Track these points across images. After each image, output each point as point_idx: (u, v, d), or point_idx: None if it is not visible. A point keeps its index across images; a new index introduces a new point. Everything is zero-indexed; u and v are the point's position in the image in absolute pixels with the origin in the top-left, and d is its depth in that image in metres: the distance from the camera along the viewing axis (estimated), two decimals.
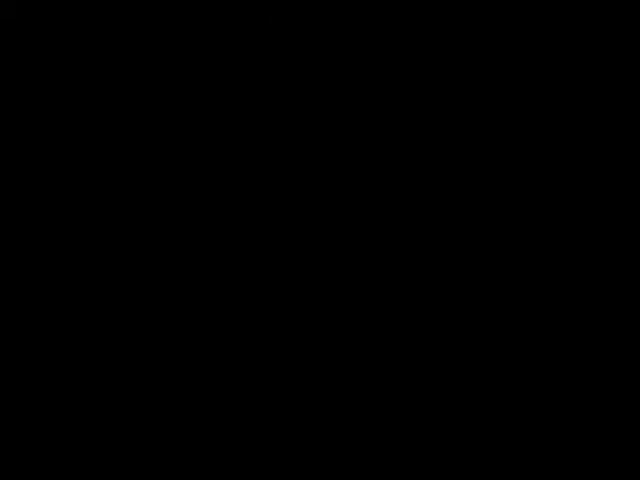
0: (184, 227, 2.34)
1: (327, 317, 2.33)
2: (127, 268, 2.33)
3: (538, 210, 2.33)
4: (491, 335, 2.31)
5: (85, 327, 2.32)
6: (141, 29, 2.35)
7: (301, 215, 2.33)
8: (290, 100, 2.31)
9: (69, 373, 2.31)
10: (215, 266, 2.34)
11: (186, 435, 2.30)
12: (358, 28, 2.25)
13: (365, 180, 2.34)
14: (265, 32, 2.34)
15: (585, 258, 2.32)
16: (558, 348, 2.31)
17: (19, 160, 2.34)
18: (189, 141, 2.35)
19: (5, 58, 2.35)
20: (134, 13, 2.35)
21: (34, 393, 2.31)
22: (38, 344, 2.31)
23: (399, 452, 2.29)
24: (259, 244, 2.34)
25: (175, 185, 2.35)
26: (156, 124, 2.35)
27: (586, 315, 2.31)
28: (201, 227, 2.34)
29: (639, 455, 2.26)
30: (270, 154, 2.35)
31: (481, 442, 2.29)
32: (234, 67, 2.35)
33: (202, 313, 2.33)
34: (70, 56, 2.35)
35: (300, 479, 2.29)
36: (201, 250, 2.34)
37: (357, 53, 2.32)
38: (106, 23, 2.35)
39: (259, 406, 2.31)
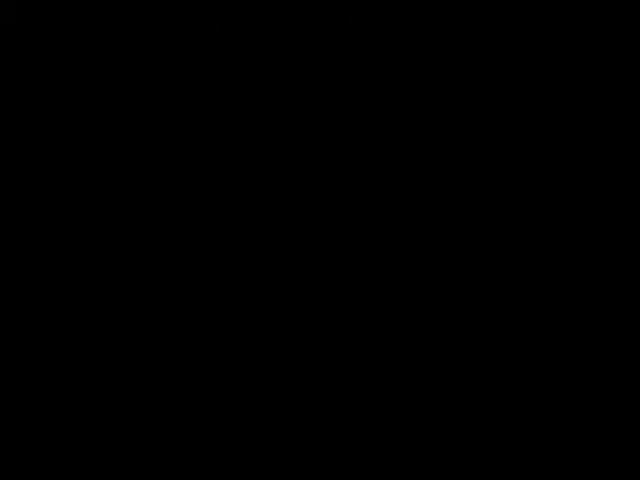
0: (183, 227, 2.34)
1: (327, 316, 2.33)
2: (126, 268, 2.33)
3: (536, 208, 2.33)
4: (491, 335, 2.31)
5: (85, 327, 2.32)
6: (141, 29, 2.35)
7: (299, 212, 2.33)
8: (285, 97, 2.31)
9: (69, 373, 2.31)
10: (214, 265, 2.34)
11: (186, 435, 2.30)
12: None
13: (353, 177, 2.34)
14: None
15: (584, 258, 2.32)
16: (558, 348, 2.31)
17: (19, 160, 2.34)
18: (188, 140, 2.35)
19: (5, 59, 2.35)
20: (134, 12, 2.35)
21: (34, 393, 2.31)
22: (38, 344, 2.31)
23: (398, 452, 2.29)
24: (258, 243, 2.34)
25: (174, 184, 2.35)
26: (156, 124, 2.35)
27: (586, 315, 2.31)
28: (200, 226, 2.34)
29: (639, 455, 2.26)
30: (267, 150, 2.35)
31: (481, 442, 2.29)
32: (231, 66, 2.36)
33: (201, 312, 2.33)
34: (70, 57, 2.36)
35: (300, 479, 2.29)
36: (200, 249, 2.34)
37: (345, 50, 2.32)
38: (106, 23, 2.36)
39: (259, 406, 2.31)
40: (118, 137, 2.35)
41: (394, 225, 2.34)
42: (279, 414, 2.31)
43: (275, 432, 2.30)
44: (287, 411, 2.31)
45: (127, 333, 2.32)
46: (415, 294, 2.33)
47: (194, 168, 2.35)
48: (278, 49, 2.36)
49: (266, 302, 2.33)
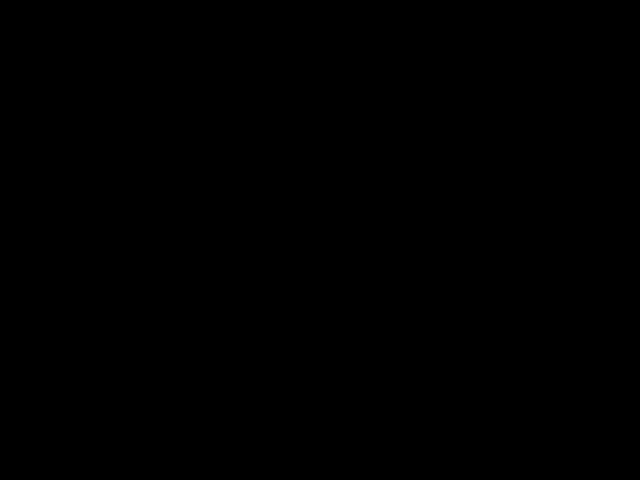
0: (183, 227, 2.34)
1: (327, 316, 2.33)
2: (127, 268, 2.34)
3: (535, 208, 2.33)
4: (491, 335, 2.31)
5: (85, 328, 2.32)
6: (141, 29, 2.35)
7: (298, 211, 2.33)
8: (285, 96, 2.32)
9: (69, 373, 2.31)
10: (214, 265, 2.34)
11: (186, 435, 2.30)
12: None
13: (351, 176, 2.35)
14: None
15: (584, 258, 2.32)
16: (558, 348, 2.31)
17: (19, 160, 2.35)
18: (188, 140, 2.35)
19: (5, 60, 2.35)
20: (134, 12, 2.35)
21: (34, 393, 2.31)
22: (38, 344, 2.31)
23: (399, 452, 2.29)
24: (258, 242, 2.34)
25: (174, 184, 2.35)
26: (156, 124, 2.35)
27: (586, 315, 2.31)
28: (200, 226, 2.34)
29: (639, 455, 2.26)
30: (267, 150, 2.35)
31: (481, 442, 2.29)
32: (231, 66, 2.36)
33: (202, 313, 2.33)
34: (70, 57, 2.36)
35: (300, 479, 2.29)
36: (200, 249, 2.34)
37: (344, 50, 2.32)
38: (106, 23, 2.36)
39: (259, 406, 2.31)
40: (118, 137, 2.35)
41: (394, 225, 2.34)
42: (279, 414, 2.31)
43: (275, 432, 2.31)
44: (287, 411, 2.31)
45: (127, 332, 2.32)
46: (415, 294, 2.33)
47: (194, 168, 2.35)
48: (278, 49, 2.36)
49: (265, 302, 2.33)
